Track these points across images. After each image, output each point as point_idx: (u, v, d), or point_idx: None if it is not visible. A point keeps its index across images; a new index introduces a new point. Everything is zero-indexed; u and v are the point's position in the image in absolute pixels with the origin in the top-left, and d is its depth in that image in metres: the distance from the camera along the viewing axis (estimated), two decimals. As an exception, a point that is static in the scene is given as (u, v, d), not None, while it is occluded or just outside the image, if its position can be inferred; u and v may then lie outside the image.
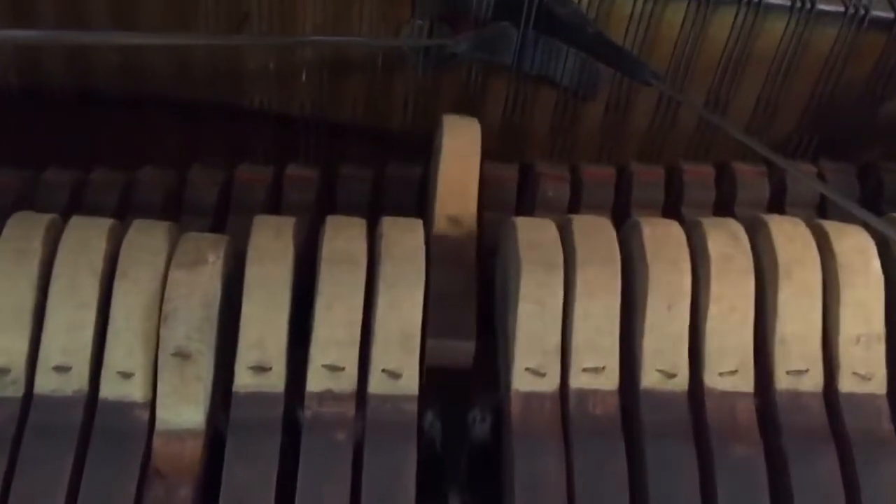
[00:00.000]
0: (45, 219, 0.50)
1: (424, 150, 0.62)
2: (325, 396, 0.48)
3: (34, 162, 0.63)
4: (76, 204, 0.61)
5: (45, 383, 0.47)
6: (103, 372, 0.47)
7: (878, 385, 0.49)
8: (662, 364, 0.49)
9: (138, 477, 0.46)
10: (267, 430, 0.47)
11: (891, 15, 0.65)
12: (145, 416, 0.47)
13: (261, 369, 0.48)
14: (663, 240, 0.51)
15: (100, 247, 0.49)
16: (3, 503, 0.45)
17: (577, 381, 0.49)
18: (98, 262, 0.48)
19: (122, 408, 0.47)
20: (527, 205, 0.63)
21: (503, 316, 0.51)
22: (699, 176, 0.64)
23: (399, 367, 0.48)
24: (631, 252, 0.51)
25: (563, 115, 0.71)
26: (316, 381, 0.48)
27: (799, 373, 0.49)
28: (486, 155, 0.58)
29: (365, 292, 0.49)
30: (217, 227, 0.61)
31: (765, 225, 0.51)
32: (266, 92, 0.71)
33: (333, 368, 0.48)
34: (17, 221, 0.50)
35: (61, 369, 0.47)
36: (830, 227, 0.52)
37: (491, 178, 0.61)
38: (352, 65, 0.70)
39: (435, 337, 0.49)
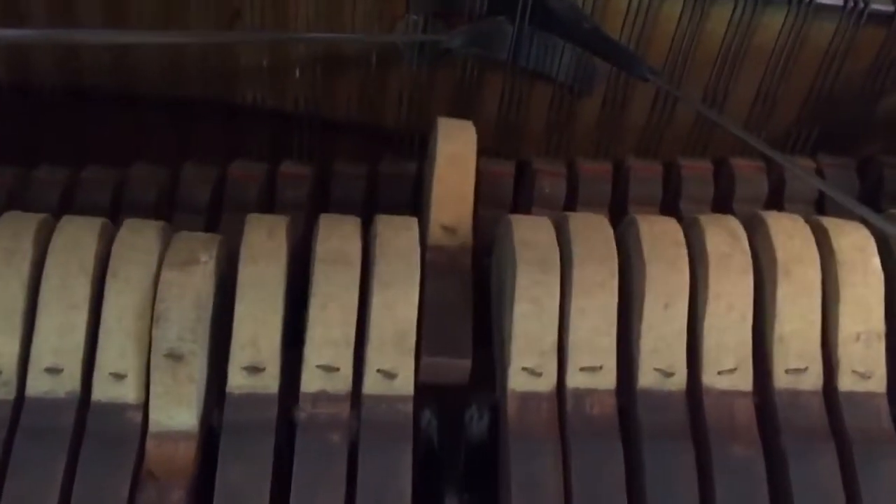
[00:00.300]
0: (36, 218, 0.50)
1: (419, 146, 0.62)
2: (320, 397, 0.48)
3: (26, 160, 0.63)
4: (68, 202, 0.61)
5: (37, 385, 0.47)
6: (95, 373, 0.47)
7: (878, 383, 0.49)
8: (660, 363, 0.49)
9: (131, 479, 0.46)
10: (261, 431, 0.47)
11: (890, 8, 0.64)
12: (138, 417, 0.47)
13: (254, 370, 0.47)
14: (661, 237, 0.50)
15: (91, 246, 0.48)
16: None
17: (574, 380, 0.48)
18: (89, 262, 0.48)
19: (114, 409, 0.47)
20: (523, 201, 0.63)
21: (499, 315, 0.51)
22: (697, 172, 0.64)
23: (394, 368, 0.48)
24: (628, 250, 0.51)
25: (560, 110, 0.71)
26: (310, 381, 0.48)
27: (798, 371, 0.49)
28: (483, 151, 0.57)
29: (359, 292, 0.48)
30: (210, 224, 0.60)
31: (763, 222, 0.51)
32: (259, 89, 0.71)
33: (328, 369, 0.48)
34: (7, 221, 0.50)
35: (53, 371, 0.47)
36: (830, 223, 0.51)
37: (487, 174, 0.61)
38: (346, 61, 0.70)
39: (430, 355, 0.48)
